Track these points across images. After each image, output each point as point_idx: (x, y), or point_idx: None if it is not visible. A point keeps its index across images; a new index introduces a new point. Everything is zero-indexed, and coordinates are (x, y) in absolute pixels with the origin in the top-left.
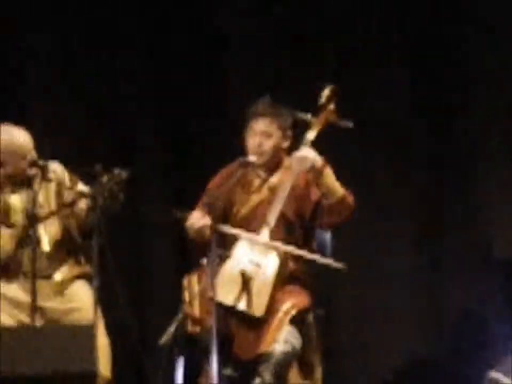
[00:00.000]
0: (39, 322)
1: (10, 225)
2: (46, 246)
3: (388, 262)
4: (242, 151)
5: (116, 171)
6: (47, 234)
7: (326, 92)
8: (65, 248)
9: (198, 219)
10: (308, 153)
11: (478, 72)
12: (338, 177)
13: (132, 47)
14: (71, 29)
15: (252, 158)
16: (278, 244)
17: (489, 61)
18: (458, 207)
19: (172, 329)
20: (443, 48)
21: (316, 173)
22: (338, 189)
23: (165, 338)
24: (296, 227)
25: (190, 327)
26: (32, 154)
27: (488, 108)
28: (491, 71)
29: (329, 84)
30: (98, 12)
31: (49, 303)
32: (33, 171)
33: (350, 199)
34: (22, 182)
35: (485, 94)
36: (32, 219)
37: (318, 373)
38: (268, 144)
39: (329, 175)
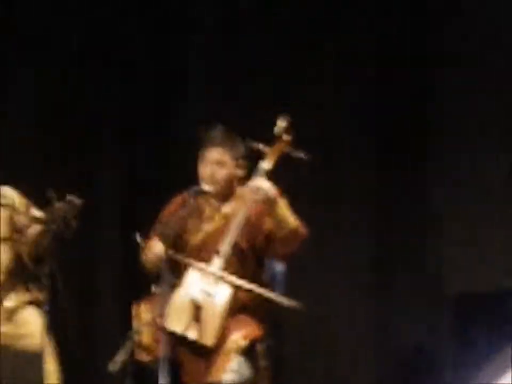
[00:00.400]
0: None
1: None
2: None
3: (337, 296)
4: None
5: (70, 198)
6: None
7: (281, 123)
8: (16, 274)
9: (153, 249)
10: (261, 184)
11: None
12: (293, 206)
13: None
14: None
15: (206, 187)
16: (228, 277)
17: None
18: (410, 246)
19: (120, 357)
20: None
21: (269, 203)
22: (291, 220)
23: (113, 366)
24: (249, 257)
25: (138, 355)
26: None
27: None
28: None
29: (283, 114)
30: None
31: (0, 328)
32: None
33: (303, 230)
34: None
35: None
36: None
37: None
38: (221, 174)
39: (282, 206)
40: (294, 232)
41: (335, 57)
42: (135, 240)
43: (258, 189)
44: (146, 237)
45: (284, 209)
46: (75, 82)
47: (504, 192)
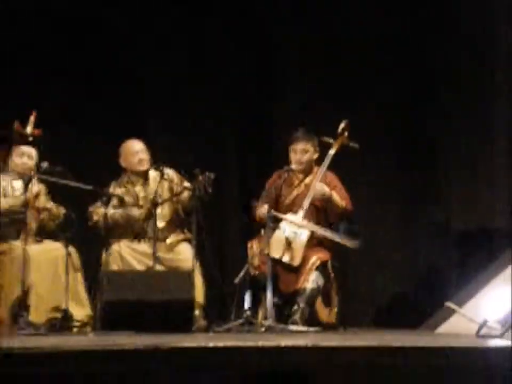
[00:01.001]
0: (158, 267)
1: (139, 207)
2: (160, 223)
3: (380, 233)
4: (287, 162)
5: (207, 173)
6: (162, 215)
7: (342, 125)
8: (175, 222)
9: (261, 208)
10: (322, 187)
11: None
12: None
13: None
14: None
15: (293, 166)
16: (307, 223)
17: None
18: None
19: (241, 274)
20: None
21: (326, 197)
22: (341, 204)
23: (238, 280)
24: (321, 211)
25: (252, 272)
26: (142, 155)
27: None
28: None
29: (344, 119)
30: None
31: (165, 255)
32: (154, 173)
33: (349, 207)
34: (144, 179)
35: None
36: (154, 204)
37: (335, 303)
38: (305, 158)
39: (335, 197)
40: (343, 210)
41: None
42: (252, 203)
43: (321, 189)
44: (258, 200)
45: (336, 198)
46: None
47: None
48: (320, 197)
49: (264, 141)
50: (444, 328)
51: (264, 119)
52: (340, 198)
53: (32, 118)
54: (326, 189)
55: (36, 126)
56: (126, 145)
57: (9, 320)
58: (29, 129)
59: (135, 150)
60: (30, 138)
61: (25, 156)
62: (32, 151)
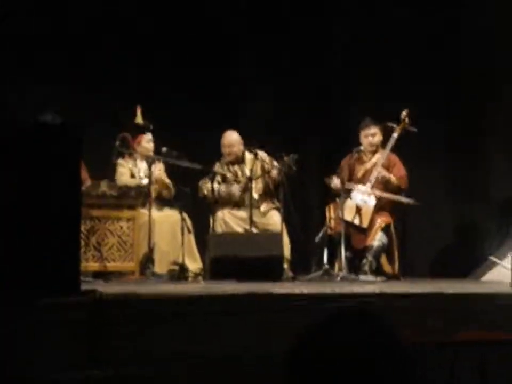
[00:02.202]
0: (254, 230)
1: (238, 183)
2: (255, 195)
3: (433, 198)
4: (357, 144)
5: (291, 155)
6: (256, 188)
7: (404, 112)
8: (266, 194)
9: (336, 182)
10: (382, 171)
11: None
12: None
13: None
14: None
15: (364, 148)
16: (375, 191)
17: None
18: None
19: (320, 234)
20: None
21: (385, 180)
22: (397, 183)
23: (317, 238)
24: (387, 181)
25: (329, 231)
26: (232, 149)
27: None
28: None
29: (405, 107)
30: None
31: (259, 220)
32: (249, 155)
33: (403, 187)
34: (240, 161)
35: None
36: (250, 180)
37: (396, 257)
38: (375, 141)
39: (391, 180)
40: (397, 188)
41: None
42: (329, 181)
43: (381, 171)
44: (334, 175)
45: (393, 180)
46: None
47: None
48: (380, 179)
49: (340, 127)
50: (487, 277)
51: (342, 111)
52: (397, 177)
53: (139, 111)
54: (385, 173)
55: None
56: (223, 136)
57: (139, 272)
58: (140, 119)
59: (226, 143)
60: (147, 127)
61: (150, 141)
62: (151, 137)
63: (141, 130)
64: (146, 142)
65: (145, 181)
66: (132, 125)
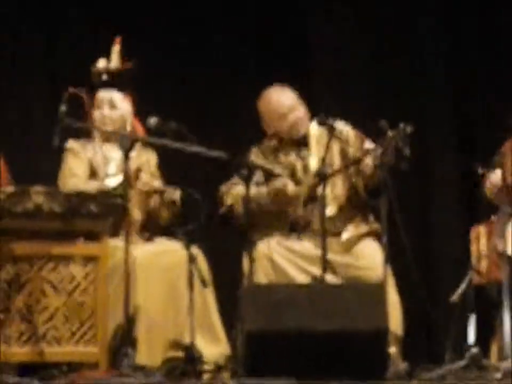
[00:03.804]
0: (329, 277)
1: (297, 183)
2: (330, 210)
3: None
4: None
5: (401, 126)
6: (332, 195)
7: None
8: (353, 206)
9: (492, 179)
10: None
11: None
12: None
13: None
14: None
15: None
16: None
17: None
18: None
19: (463, 285)
20: None
21: None
22: None
23: (457, 296)
24: None
25: (475, 280)
26: (300, 113)
27: None
28: None
29: None
30: None
31: (339, 258)
32: (310, 129)
33: None
34: (300, 142)
35: None
36: (321, 177)
37: None
38: None
39: None
40: None
41: None
42: (475, 170)
43: None
44: (486, 166)
45: None
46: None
47: None
48: None
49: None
50: None
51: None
52: None
53: (116, 48)
54: None
55: (124, 57)
56: (268, 103)
57: (107, 362)
58: (113, 63)
59: (284, 111)
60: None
61: (104, 105)
62: (115, 96)
63: (115, 81)
64: (97, 106)
65: (116, 181)
66: (99, 72)
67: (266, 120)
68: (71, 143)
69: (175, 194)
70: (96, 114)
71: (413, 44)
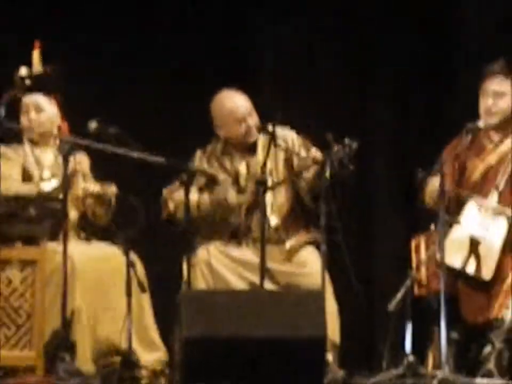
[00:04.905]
0: (268, 285)
1: (240, 190)
2: (273, 220)
3: None
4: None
5: (347, 141)
6: (275, 204)
7: None
8: (296, 214)
9: (432, 186)
10: None
11: None
12: None
13: None
14: None
15: (479, 123)
16: (506, 208)
17: None
18: None
19: (400, 295)
20: None
21: None
22: None
23: (394, 305)
24: None
25: (416, 290)
26: (253, 120)
27: None
28: None
29: None
30: None
31: (279, 266)
32: (259, 137)
33: None
34: (249, 148)
35: None
36: (262, 186)
37: None
38: (500, 105)
39: None
40: None
41: None
42: (416, 177)
43: None
44: (426, 174)
45: None
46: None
47: None
48: None
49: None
50: None
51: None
52: None
53: (36, 52)
54: None
55: (45, 61)
56: (223, 106)
57: (44, 367)
58: (35, 67)
59: (239, 116)
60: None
61: (31, 109)
62: (40, 100)
63: (40, 85)
64: (24, 112)
65: (52, 185)
66: (22, 78)
67: (219, 124)
68: (3, 149)
69: (111, 190)
70: (23, 119)
71: (361, 53)
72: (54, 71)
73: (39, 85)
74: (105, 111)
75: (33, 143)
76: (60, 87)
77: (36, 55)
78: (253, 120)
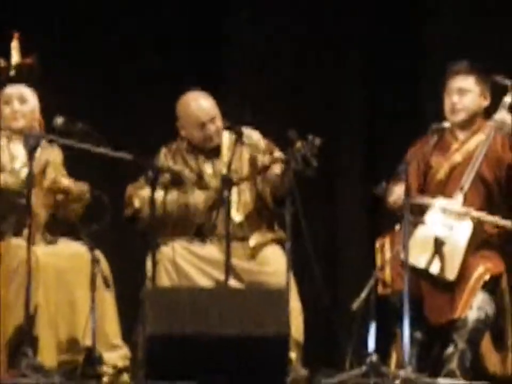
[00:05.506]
0: (232, 282)
1: (203, 188)
2: (236, 216)
3: None
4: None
5: (310, 137)
6: (240, 202)
7: None
8: (260, 213)
9: (395, 191)
10: (507, 118)
11: None
12: None
13: None
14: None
15: (444, 123)
16: (469, 210)
17: None
18: None
19: (364, 294)
20: None
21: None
22: None
23: (357, 304)
24: (495, 192)
25: (380, 290)
26: (215, 126)
27: None
28: None
29: None
30: None
31: (243, 264)
32: (222, 140)
33: None
34: (212, 151)
35: None
36: (226, 182)
37: (510, 341)
38: (464, 102)
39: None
40: None
41: None
42: (378, 192)
43: (503, 122)
44: (392, 176)
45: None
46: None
47: None
48: (501, 134)
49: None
50: None
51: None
52: None
53: (14, 43)
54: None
55: (25, 53)
56: (188, 108)
57: (6, 362)
58: (14, 58)
59: (202, 121)
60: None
61: (14, 100)
62: (24, 91)
63: (20, 76)
64: (4, 102)
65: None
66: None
67: (183, 124)
68: None
69: (84, 187)
70: (6, 110)
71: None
72: (34, 62)
73: (20, 76)
74: (73, 107)
75: (9, 136)
76: (39, 78)
77: (14, 45)
78: (215, 126)
